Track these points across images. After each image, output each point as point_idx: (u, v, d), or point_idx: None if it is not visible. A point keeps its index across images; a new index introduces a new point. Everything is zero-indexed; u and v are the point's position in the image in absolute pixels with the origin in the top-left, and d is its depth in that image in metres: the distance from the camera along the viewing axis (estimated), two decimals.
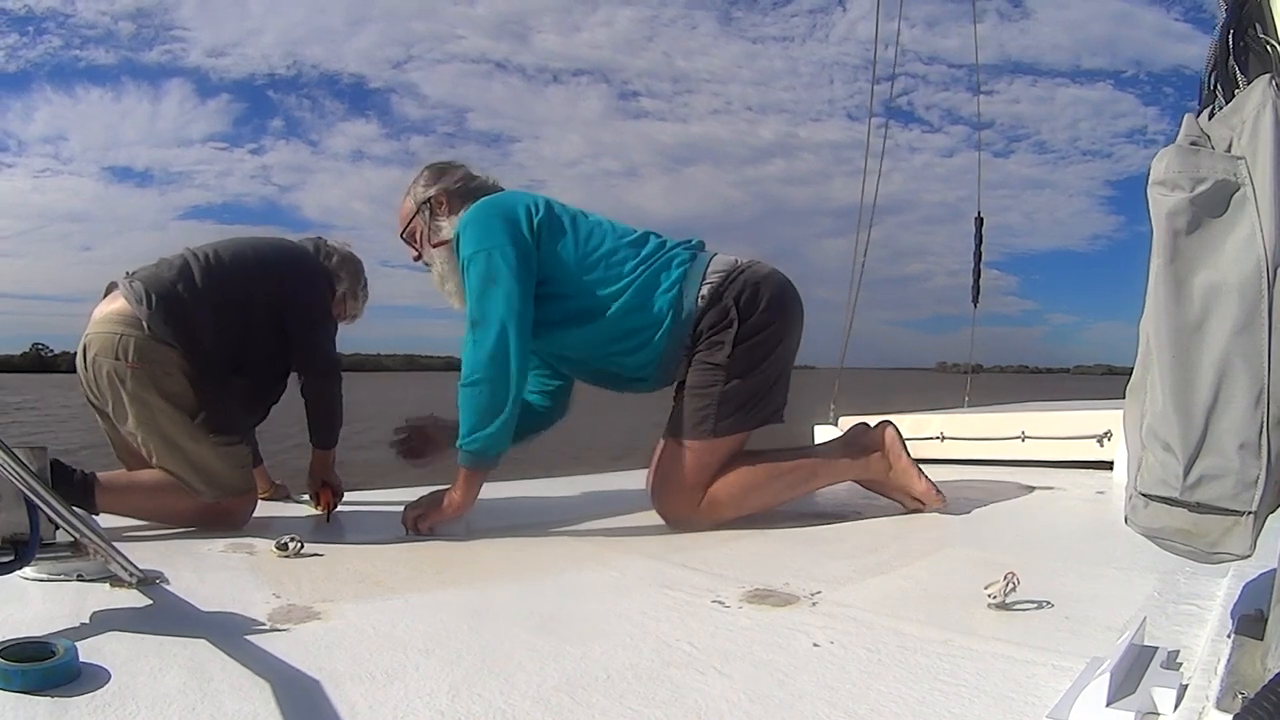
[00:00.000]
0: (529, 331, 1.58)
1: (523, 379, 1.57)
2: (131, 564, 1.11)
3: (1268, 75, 0.63)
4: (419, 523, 1.60)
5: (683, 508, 1.63)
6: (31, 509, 0.94)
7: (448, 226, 1.72)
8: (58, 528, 1.01)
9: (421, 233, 1.77)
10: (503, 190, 1.79)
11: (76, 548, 1.07)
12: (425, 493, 1.66)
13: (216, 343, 1.64)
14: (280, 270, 1.78)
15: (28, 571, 1.06)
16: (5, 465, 0.88)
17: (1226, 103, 0.67)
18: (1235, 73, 0.68)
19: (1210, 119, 0.66)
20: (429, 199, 1.76)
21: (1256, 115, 0.61)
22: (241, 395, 1.72)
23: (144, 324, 1.58)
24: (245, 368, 1.71)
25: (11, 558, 0.94)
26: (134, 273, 1.67)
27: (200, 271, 1.66)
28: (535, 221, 1.62)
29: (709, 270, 1.66)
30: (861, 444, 1.76)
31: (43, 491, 0.92)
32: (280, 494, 2.07)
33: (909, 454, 1.75)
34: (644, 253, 1.67)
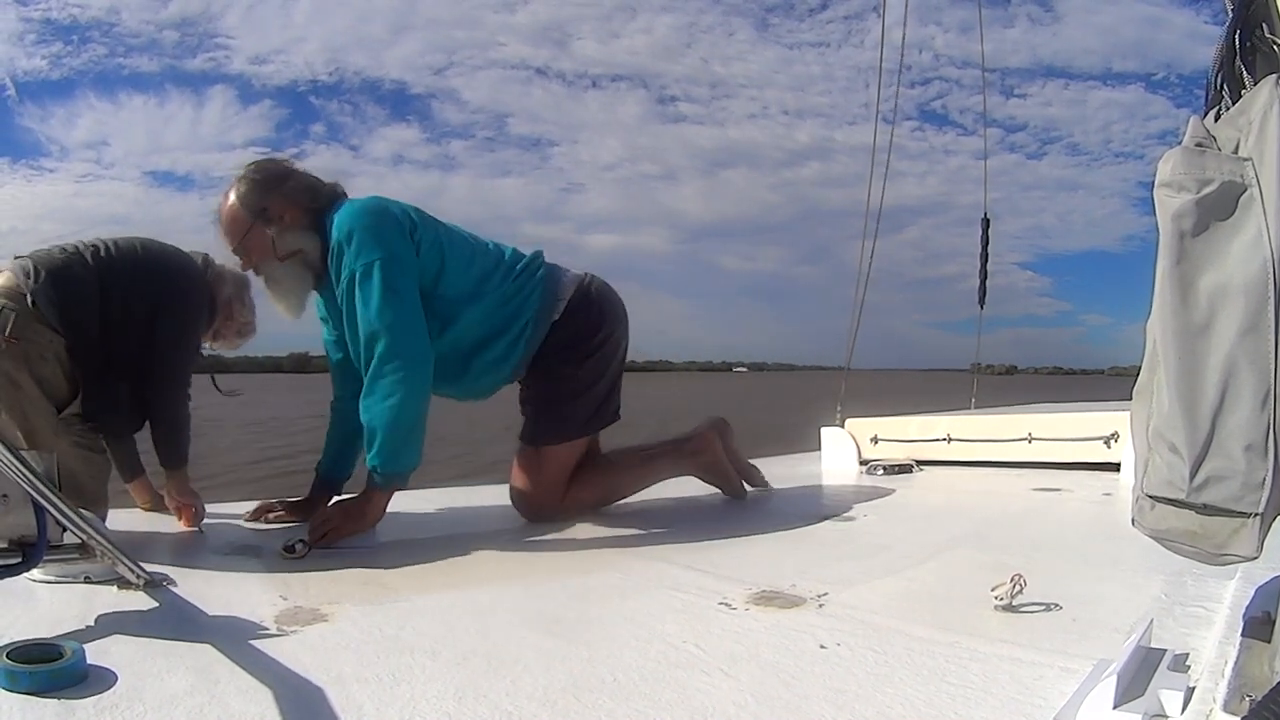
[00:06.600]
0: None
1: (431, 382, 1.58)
2: (139, 566, 1.11)
3: (1274, 76, 0.62)
4: (330, 536, 1.49)
5: (548, 502, 1.75)
6: (39, 511, 0.94)
7: (294, 238, 1.63)
8: (65, 530, 1.02)
9: (259, 243, 1.64)
10: (344, 194, 1.71)
11: (84, 550, 1.08)
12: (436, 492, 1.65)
13: (100, 335, 1.55)
14: (166, 274, 1.68)
15: (35, 573, 1.07)
16: (12, 468, 0.88)
17: (1233, 104, 0.66)
18: (1242, 73, 0.68)
19: (1217, 120, 0.66)
20: (264, 209, 1.63)
21: (1263, 116, 0.61)
22: (115, 399, 1.61)
23: (28, 298, 1.48)
24: (124, 369, 1.60)
25: (19, 560, 0.94)
26: (24, 255, 1.56)
27: (92, 257, 1.58)
28: (416, 232, 1.62)
29: (561, 285, 1.76)
30: (691, 439, 1.96)
31: (50, 494, 0.92)
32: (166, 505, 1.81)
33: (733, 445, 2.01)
34: (503, 266, 1.73)
